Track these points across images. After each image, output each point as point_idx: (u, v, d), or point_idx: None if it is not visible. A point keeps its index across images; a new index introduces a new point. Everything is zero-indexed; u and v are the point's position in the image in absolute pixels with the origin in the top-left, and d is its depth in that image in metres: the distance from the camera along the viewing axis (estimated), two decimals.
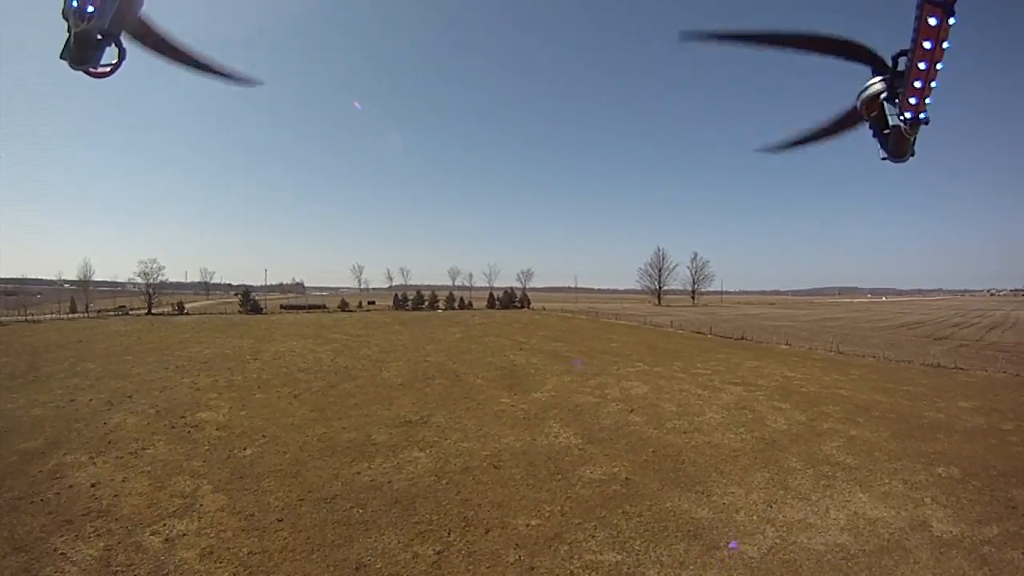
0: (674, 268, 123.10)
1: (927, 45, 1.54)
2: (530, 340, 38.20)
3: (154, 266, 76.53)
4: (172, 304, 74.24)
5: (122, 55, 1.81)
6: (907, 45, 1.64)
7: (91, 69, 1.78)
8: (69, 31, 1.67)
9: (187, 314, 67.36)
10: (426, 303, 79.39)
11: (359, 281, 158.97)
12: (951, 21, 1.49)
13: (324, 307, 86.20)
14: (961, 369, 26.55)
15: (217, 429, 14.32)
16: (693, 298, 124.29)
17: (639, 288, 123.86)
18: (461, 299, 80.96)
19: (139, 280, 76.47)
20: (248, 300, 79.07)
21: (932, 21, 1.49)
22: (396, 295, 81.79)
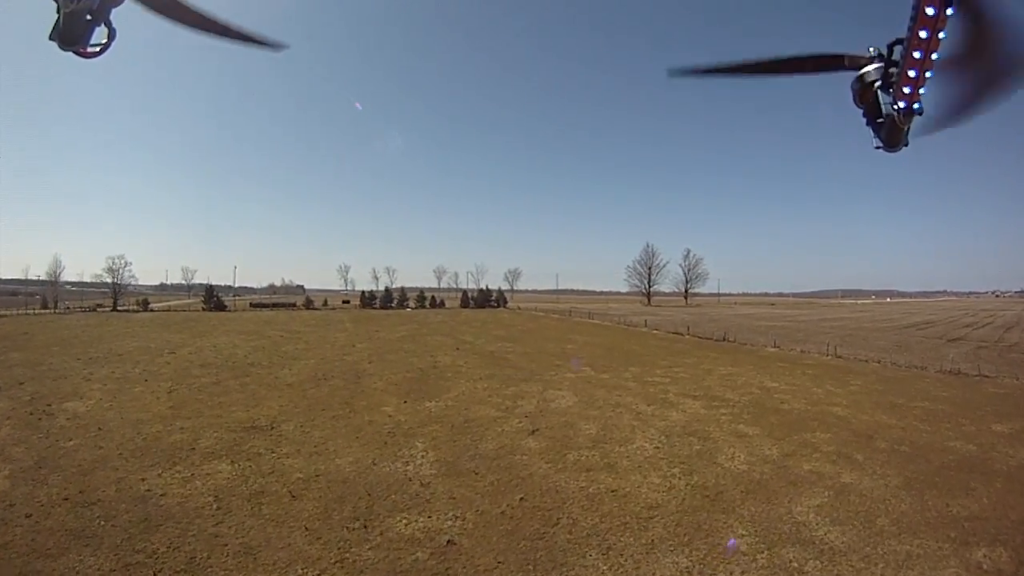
0: (664, 266, 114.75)
1: (923, 35, 1.51)
2: (477, 340, 33.65)
3: (121, 262, 77.37)
4: (137, 301, 73.43)
5: (111, 35, 1.78)
6: (904, 34, 1.61)
7: (80, 49, 1.76)
8: (59, 11, 1.66)
9: (150, 311, 67.06)
10: (395, 302, 75.36)
11: (345, 281, 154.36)
12: (948, 11, 1.44)
13: (294, 305, 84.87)
14: (986, 377, 21.20)
15: (68, 419, 13.28)
16: (686, 298, 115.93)
17: (628, 288, 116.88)
18: (433, 298, 77.05)
19: (106, 278, 77.34)
20: (211, 298, 78.44)
21: (929, 11, 1.46)
22: (364, 293, 77.43)
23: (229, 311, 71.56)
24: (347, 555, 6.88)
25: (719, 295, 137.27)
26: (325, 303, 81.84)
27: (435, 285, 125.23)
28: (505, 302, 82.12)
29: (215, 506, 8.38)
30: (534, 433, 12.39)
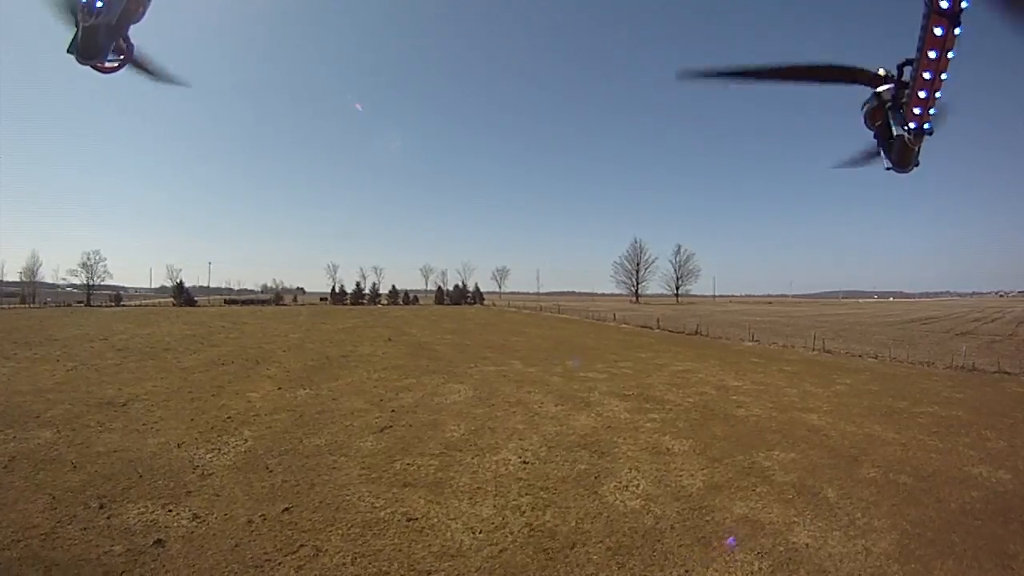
0: (654, 262, 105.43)
1: (932, 55, 1.50)
2: (419, 332, 30.25)
3: (95, 258, 78.36)
4: (110, 297, 76.55)
5: (130, 50, 1.82)
6: (912, 55, 1.61)
7: (98, 64, 1.78)
8: (77, 26, 1.66)
9: (122, 305, 69.37)
10: (366, 298, 72.46)
11: (333, 280, 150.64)
12: (956, 31, 1.44)
13: (265, 302, 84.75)
14: (1008, 374, 17.11)
15: None
16: (677, 297, 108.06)
17: (616, 285, 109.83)
18: (406, 293, 73.88)
19: (80, 272, 78.90)
20: (181, 294, 79.64)
21: (938, 31, 1.46)
22: (333, 289, 74.13)
23: (198, 306, 72.20)
24: (58, 530, 5.70)
25: (715, 296, 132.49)
26: (295, 299, 79.17)
27: (426, 285, 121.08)
28: (482, 299, 79.06)
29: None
30: (383, 431, 9.34)
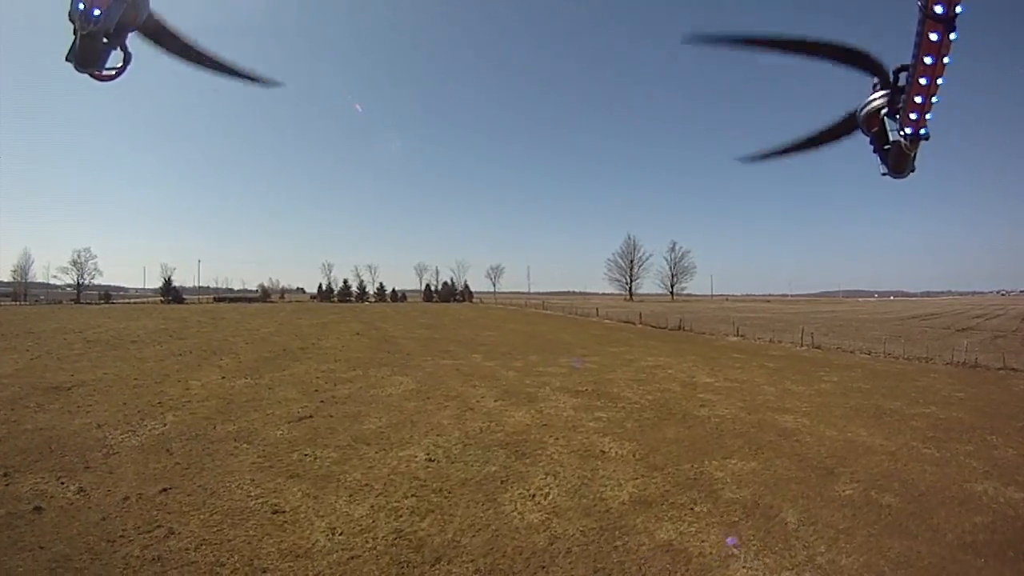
0: (648, 259, 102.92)
1: (928, 60, 1.51)
2: (392, 327, 29.36)
3: (86, 255, 78.49)
4: (100, 295, 78.02)
5: (127, 58, 1.79)
6: (908, 60, 1.62)
7: (96, 72, 1.77)
8: (75, 33, 1.66)
9: (111, 303, 70.96)
10: (354, 296, 71.97)
11: (328, 279, 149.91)
12: (952, 36, 1.45)
13: (252, 299, 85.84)
14: (1014, 371, 15.56)
15: None
16: (672, 295, 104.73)
17: (611, 283, 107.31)
18: (393, 290, 73.05)
19: (71, 270, 79.04)
20: (168, 291, 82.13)
21: (933, 37, 1.45)
22: (320, 286, 73.21)
23: (185, 304, 73.02)
24: None
25: (713, 295, 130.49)
26: (282, 296, 78.43)
27: (420, 284, 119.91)
28: (471, 296, 77.73)
29: None
30: (301, 420, 8.67)
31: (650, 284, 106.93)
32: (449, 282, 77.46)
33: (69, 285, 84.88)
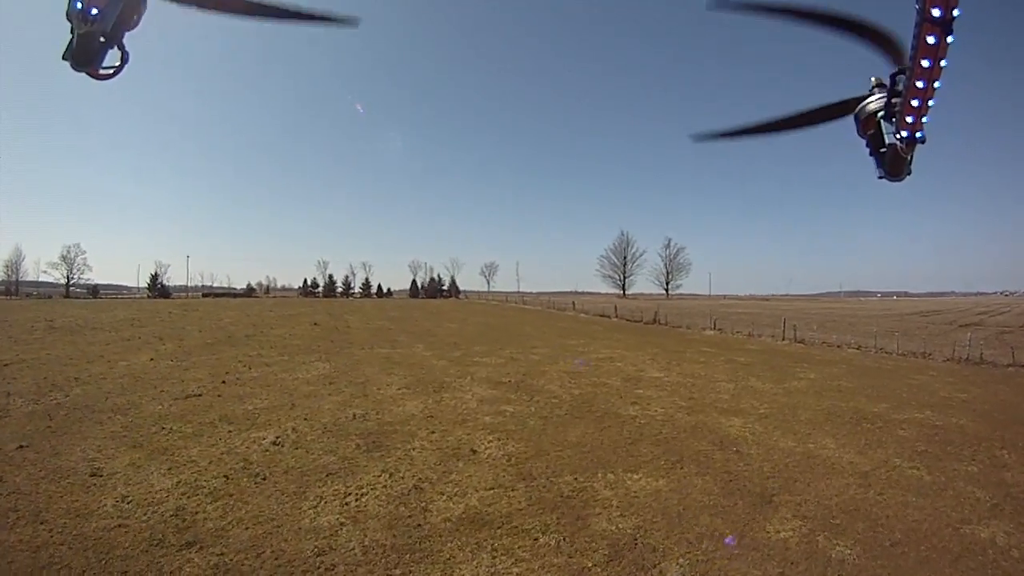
0: (642, 255, 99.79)
1: (925, 64, 1.39)
2: (358, 319, 28.31)
3: (76, 251, 79.94)
4: (88, 289, 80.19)
5: (125, 58, 1.67)
6: (905, 63, 1.53)
7: (92, 71, 1.65)
8: (72, 32, 1.54)
9: (98, 298, 72.42)
10: (339, 291, 71.57)
11: (323, 276, 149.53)
12: (949, 39, 1.34)
13: (239, 295, 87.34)
14: (1023, 367, 13.45)
15: None
16: (667, 293, 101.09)
17: (604, 280, 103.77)
18: (379, 286, 72.11)
19: (60, 265, 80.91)
20: (155, 287, 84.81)
21: (930, 40, 1.34)
22: (305, 281, 72.61)
23: (171, 298, 74.98)
24: None
25: (711, 294, 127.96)
26: (267, 291, 77.79)
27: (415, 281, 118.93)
28: (458, 291, 76.49)
29: None
30: (188, 398, 8.23)
31: (646, 283, 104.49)
32: (437, 278, 76.08)
33: (72, 284, 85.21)
